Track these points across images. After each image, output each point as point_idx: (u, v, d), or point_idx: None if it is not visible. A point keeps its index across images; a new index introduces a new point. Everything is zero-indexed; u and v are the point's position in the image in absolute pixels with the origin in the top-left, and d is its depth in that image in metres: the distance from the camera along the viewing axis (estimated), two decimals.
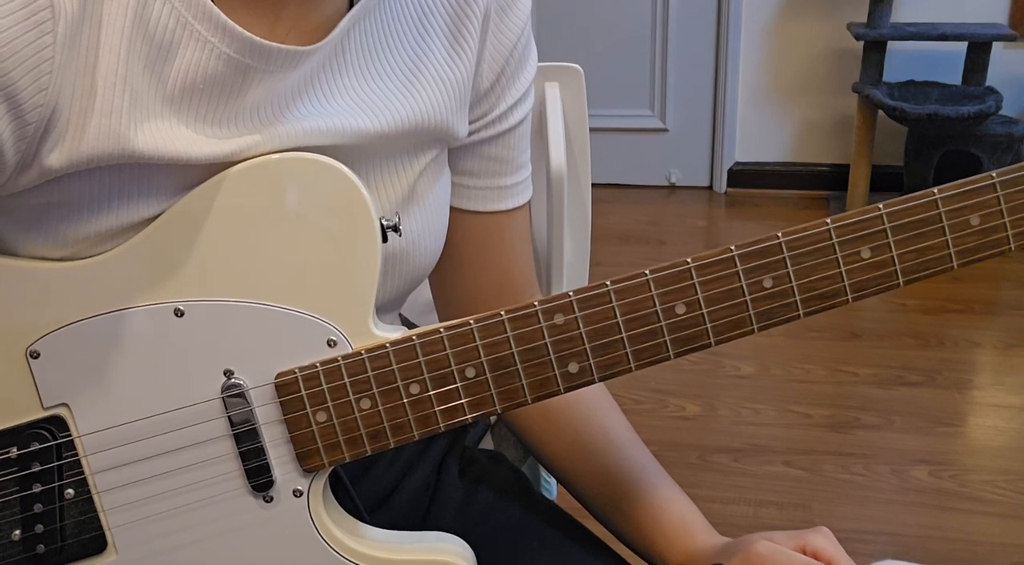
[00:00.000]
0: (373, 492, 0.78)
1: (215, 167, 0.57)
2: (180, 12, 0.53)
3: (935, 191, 0.56)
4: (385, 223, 0.60)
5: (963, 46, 2.83)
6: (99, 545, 0.60)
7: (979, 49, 2.77)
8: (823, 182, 3.18)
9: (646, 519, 0.70)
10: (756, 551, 0.61)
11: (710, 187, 3.31)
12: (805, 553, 0.62)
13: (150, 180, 0.56)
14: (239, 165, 0.57)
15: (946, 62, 2.93)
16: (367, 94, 0.62)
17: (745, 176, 3.25)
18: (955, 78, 2.88)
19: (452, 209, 0.73)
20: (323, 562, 0.61)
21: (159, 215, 0.57)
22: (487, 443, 1.00)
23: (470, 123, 0.69)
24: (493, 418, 1.01)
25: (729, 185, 3.27)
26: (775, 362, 2.25)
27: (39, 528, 0.59)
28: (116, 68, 0.52)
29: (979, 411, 2.06)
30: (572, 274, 1.08)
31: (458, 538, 0.66)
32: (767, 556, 0.61)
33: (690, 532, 0.69)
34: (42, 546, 0.59)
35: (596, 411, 0.75)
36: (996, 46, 2.80)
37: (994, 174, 0.56)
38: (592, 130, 1.08)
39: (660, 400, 2.13)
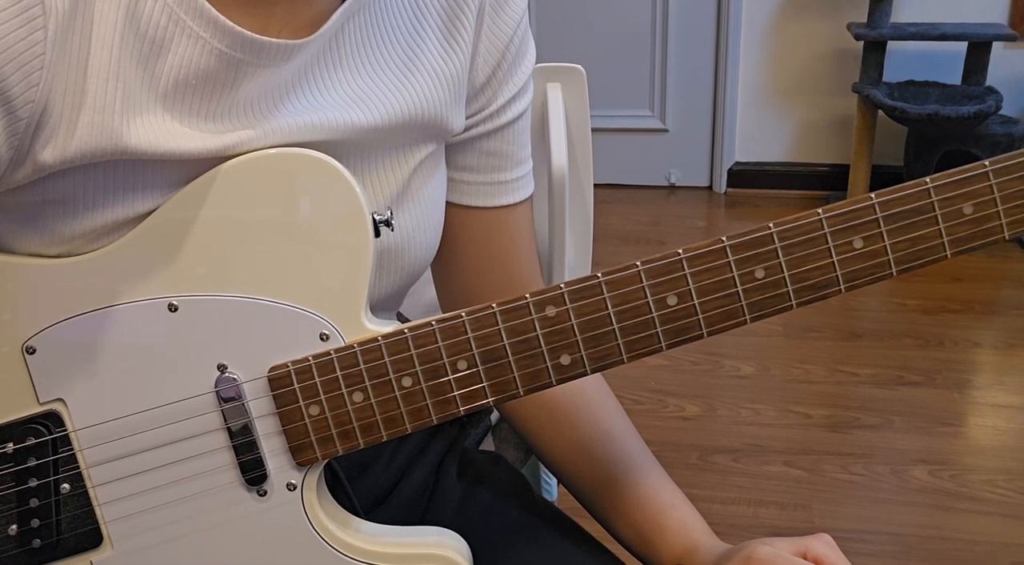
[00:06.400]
0: (370, 491, 0.78)
1: (208, 162, 0.57)
2: (172, 8, 0.53)
3: (927, 180, 0.56)
4: (377, 218, 0.60)
5: (963, 46, 2.83)
6: (95, 539, 0.60)
7: (979, 49, 2.77)
8: (823, 182, 3.18)
9: (648, 524, 0.70)
10: (758, 555, 0.61)
11: (710, 187, 3.31)
12: (806, 559, 0.61)
13: (144, 176, 0.57)
14: (231, 161, 0.57)
15: (946, 62, 2.93)
16: (361, 88, 0.62)
17: (745, 176, 3.25)
18: (955, 78, 2.88)
19: (453, 205, 0.73)
20: (317, 556, 0.61)
21: (153, 211, 0.58)
22: (488, 444, 1.00)
23: (468, 117, 0.69)
24: (494, 419, 1.01)
25: (729, 185, 3.27)
26: (775, 362, 2.25)
27: (35, 523, 0.59)
28: (108, 65, 0.52)
29: (979, 411, 2.06)
30: (574, 275, 1.08)
31: (453, 533, 0.66)
32: (768, 560, 0.61)
33: (691, 537, 0.69)
34: (38, 541, 0.59)
35: (602, 414, 0.75)
36: (996, 46, 2.80)
37: (987, 163, 0.56)
38: (592, 130, 1.08)
39: (660, 400, 2.13)
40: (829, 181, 3.17)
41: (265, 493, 0.60)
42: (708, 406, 2.11)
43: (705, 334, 0.58)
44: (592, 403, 0.75)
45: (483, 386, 0.59)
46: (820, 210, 0.57)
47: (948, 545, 1.68)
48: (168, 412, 0.59)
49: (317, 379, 0.58)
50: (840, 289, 0.57)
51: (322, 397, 0.59)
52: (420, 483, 0.81)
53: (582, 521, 0.78)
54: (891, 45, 2.88)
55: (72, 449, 0.59)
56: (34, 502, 0.59)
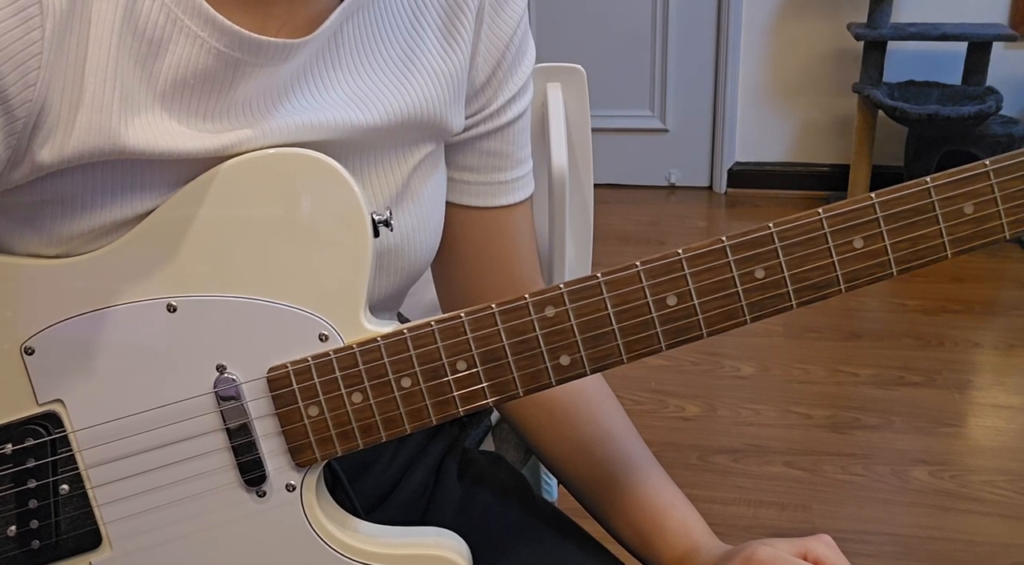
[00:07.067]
0: (371, 492, 0.78)
1: (207, 162, 0.57)
2: (170, 8, 0.53)
3: (928, 180, 0.56)
4: (376, 218, 0.60)
5: (963, 46, 2.83)
6: (94, 540, 0.60)
7: (979, 49, 2.77)
8: (823, 182, 3.18)
9: (649, 524, 0.70)
10: (758, 556, 0.61)
11: (710, 187, 3.31)
12: (807, 560, 0.61)
13: (142, 176, 0.57)
14: (230, 161, 0.57)
15: (946, 62, 2.93)
16: (360, 88, 0.62)
17: (745, 176, 3.25)
18: (955, 78, 2.88)
19: (453, 205, 0.73)
20: (316, 557, 0.61)
21: (152, 211, 0.58)
22: (488, 445, 1.00)
23: (468, 117, 0.69)
24: (495, 419, 1.01)
25: (729, 185, 3.27)
26: (775, 362, 2.25)
27: (34, 524, 0.59)
28: (106, 64, 0.52)
29: (979, 411, 2.06)
30: (574, 275, 1.08)
31: (453, 533, 0.65)
32: (768, 561, 0.61)
33: (691, 537, 0.69)
34: (37, 542, 0.59)
35: (601, 414, 0.75)
36: (996, 46, 2.80)
37: (987, 162, 0.56)
38: (592, 130, 1.08)
39: (660, 400, 2.13)
40: (829, 181, 3.17)
41: (264, 494, 0.60)
42: (708, 406, 2.11)
43: (705, 334, 0.57)
44: (592, 403, 0.75)
45: (483, 387, 0.59)
46: (820, 210, 0.57)
47: (948, 546, 1.68)
48: (167, 413, 0.59)
49: (316, 380, 0.58)
50: (840, 289, 0.57)
51: (321, 398, 0.59)
52: (420, 483, 0.81)
53: (582, 521, 0.78)
54: (891, 45, 2.88)
55: (71, 450, 0.59)
56: (33, 503, 0.59)
